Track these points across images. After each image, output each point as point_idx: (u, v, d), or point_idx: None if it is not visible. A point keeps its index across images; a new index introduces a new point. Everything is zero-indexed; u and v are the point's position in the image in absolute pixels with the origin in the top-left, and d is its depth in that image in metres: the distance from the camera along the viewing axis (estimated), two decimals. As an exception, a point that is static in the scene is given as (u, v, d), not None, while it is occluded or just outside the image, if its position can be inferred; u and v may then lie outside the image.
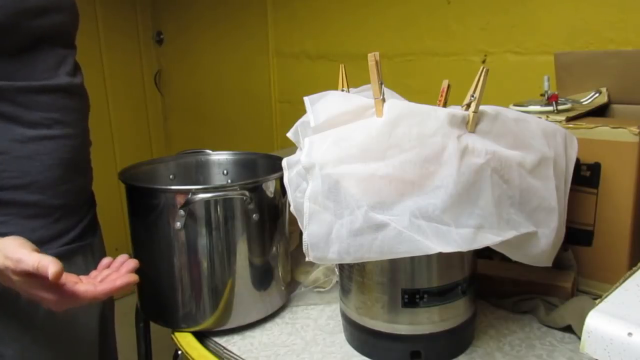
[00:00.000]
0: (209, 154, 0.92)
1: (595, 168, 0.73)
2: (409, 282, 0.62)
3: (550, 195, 0.62)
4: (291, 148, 0.71)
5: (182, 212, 0.68)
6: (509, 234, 0.57)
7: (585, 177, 0.74)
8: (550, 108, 0.79)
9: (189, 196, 0.68)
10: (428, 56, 1.29)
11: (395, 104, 0.58)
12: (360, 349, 0.68)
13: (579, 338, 0.65)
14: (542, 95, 0.83)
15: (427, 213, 0.53)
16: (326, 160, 0.55)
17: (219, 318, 0.73)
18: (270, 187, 0.74)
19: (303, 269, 0.86)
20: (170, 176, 0.88)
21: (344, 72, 0.69)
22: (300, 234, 0.58)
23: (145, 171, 0.85)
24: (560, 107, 0.79)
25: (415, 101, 0.61)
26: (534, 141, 0.63)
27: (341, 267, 0.69)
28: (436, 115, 0.57)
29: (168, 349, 0.75)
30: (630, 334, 0.39)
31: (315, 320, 0.76)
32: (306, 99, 0.63)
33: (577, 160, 0.70)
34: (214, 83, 2.11)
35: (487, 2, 1.13)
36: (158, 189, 0.71)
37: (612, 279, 0.73)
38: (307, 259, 0.56)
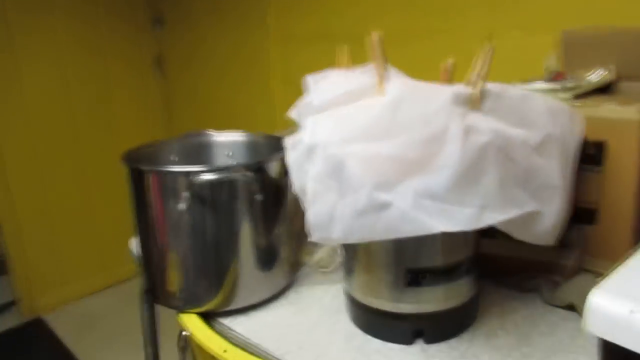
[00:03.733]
0: (211, 136, 0.92)
1: (600, 146, 0.72)
2: (412, 261, 0.62)
3: (555, 173, 0.62)
4: (294, 129, 0.70)
5: (186, 193, 0.68)
6: (513, 213, 0.57)
7: (590, 155, 0.74)
8: (556, 85, 0.78)
9: (193, 177, 0.68)
10: (432, 33, 1.28)
11: (398, 83, 0.57)
12: (364, 328, 0.68)
13: (582, 316, 0.66)
14: (548, 72, 0.82)
15: (431, 192, 0.53)
16: (329, 140, 0.54)
17: (224, 299, 0.74)
18: (273, 168, 0.74)
19: (307, 250, 0.86)
20: (173, 158, 0.88)
21: (345, 52, 0.68)
22: (304, 214, 0.58)
23: (148, 153, 0.85)
24: (566, 85, 0.79)
25: (419, 80, 0.60)
26: (539, 119, 0.63)
27: (345, 247, 0.69)
28: (440, 94, 0.57)
29: (174, 330, 0.76)
30: (632, 312, 0.39)
31: (319, 300, 0.77)
32: (308, 78, 0.62)
33: (583, 138, 0.70)
34: (215, 65, 2.10)
35: (492, -22, 1.11)
36: (161, 171, 0.71)
37: (616, 257, 0.72)
38: (310, 239, 0.56)
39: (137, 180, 0.75)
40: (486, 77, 0.59)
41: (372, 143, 0.54)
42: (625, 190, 0.73)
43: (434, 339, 0.65)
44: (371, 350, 0.64)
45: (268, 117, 1.83)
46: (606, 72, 0.83)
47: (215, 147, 0.92)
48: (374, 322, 0.66)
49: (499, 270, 0.77)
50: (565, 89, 0.78)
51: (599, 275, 0.73)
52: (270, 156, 0.74)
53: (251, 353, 0.67)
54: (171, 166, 0.84)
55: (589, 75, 0.84)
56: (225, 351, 0.65)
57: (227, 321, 0.74)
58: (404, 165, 0.53)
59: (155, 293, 0.79)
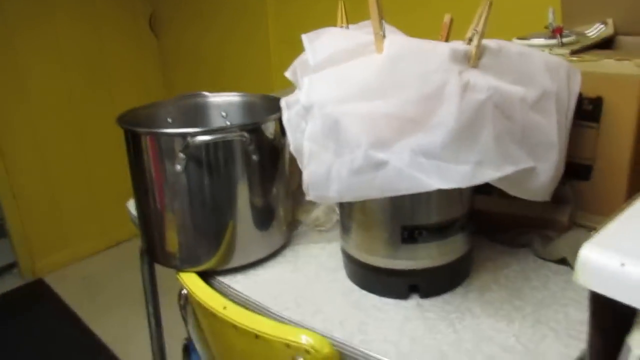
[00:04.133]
0: (207, 97, 0.91)
1: (598, 102, 0.72)
2: (408, 219, 0.63)
3: (552, 130, 0.62)
4: (290, 89, 0.70)
5: (182, 155, 0.68)
6: (508, 170, 0.57)
7: (587, 111, 0.73)
8: (554, 41, 0.77)
9: (189, 139, 0.67)
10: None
11: (395, 40, 0.56)
12: (361, 284, 0.70)
13: (573, 269, 0.67)
14: (546, 27, 0.81)
15: (427, 150, 0.53)
16: (326, 100, 0.54)
17: (222, 258, 0.75)
18: (269, 128, 0.73)
19: (304, 208, 0.87)
20: (169, 120, 0.88)
21: (343, 9, 0.67)
22: (301, 173, 0.58)
23: (144, 115, 0.84)
24: (565, 40, 0.78)
25: (416, 37, 0.59)
26: (536, 76, 0.63)
27: (341, 205, 0.70)
28: (437, 51, 0.56)
29: (175, 289, 0.77)
30: (623, 265, 0.39)
31: (316, 258, 0.78)
32: (304, 36, 0.61)
33: (580, 94, 0.69)
34: (210, 25, 2.05)
35: None
36: (157, 133, 0.71)
37: (610, 212, 0.74)
38: (307, 199, 0.57)
39: (134, 142, 0.75)
40: (484, 34, 0.58)
41: (368, 102, 0.54)
42: (621, 146, 0.73)
43: (429, 293, 0.66)
44: (368, 305, 0.66)
45: (265, 77, 1.81)
46: (604, 27, 0.82)
47: (211, 108, 0.91)
48: (370, 278, 0.68)
49: (493, 226, 0.78)
50: (563, 45, 0.77)
51: (592, 230, 0.74)
52: (267, 116, 0.73)
53: (250, 309, 0.68)
54: (167, 128, 0.84)
55: (587, 31, 0.83)
56: (225, 308, 0.66)
57: (226, 279, 0.75)
58: (400, 124, 0.53)
59: (154, 253, 0.80)
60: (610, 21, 0.84)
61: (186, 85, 2.32)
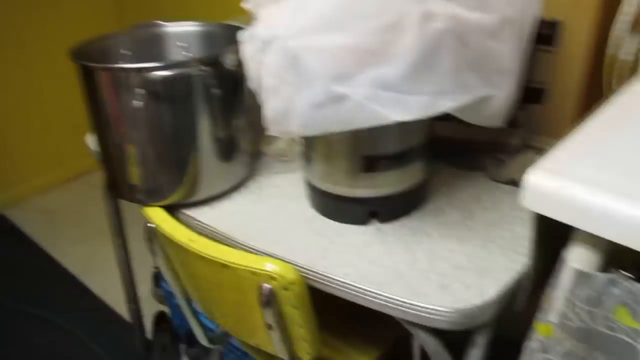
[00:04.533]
0: (164, 27, 0.88)
1: (555, 26, 0.73)
2: (368, 149, 0.64)
3: (509, 57, 0.63)
4: (249, 17, 0.68)
5: (140, 90, 0.67)
6: (465, 99, 0.59)
7: (544, 35, 0.75)
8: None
9: (146, 74, 0.66)
10: None
11: (352, -32, 0.55)
12: (324, 212, 0.72)
13: (522, 190, 0.71)
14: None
15: (386, 83, 0.54)
16: (285, 33, 0.53)
17: (187, 191, 0.76)
18: (230, 60, 0.72)
19: (266, 140, 0.88)
20: (125, 52, 0.84)
21: None
22: (261, 105, 0.58)
23: (98, 48, 0.80)
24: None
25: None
26: (496, 1, 0.63)
27: (303, 137, 0.71)
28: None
29: (141, 220, 0.78)
30: (561, 187, 0.43)
31: (280, 188, 0.80)
32: (259, -36, 0.59)
33: (538, 18, 0.70)
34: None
35: None
36: (114, 68, 0.69)
37: (561, 135, 0.78)
38: (268, 133, 0.57)
39: (89, 77, 0.72)
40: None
41: (328, 34, 0.53)
42: (576, 70, 0.75)
43: (388, 218, 0.70)
44: (330, 232, 0.69)
45: (223, 4, 1.72)
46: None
47: (169, 39, 0.88)
48: (332, 206, 0.70)
49: (449, 150, 0.81)
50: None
51: (543, 151, 0.78)
52: (226, 48, 0.72)
53: (217, 240, 0.71)
54: (123, 61, 0.81)
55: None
56: (191, 240, 0.68)
57: (191, 212, 0.76)
58: (360, 56, 0.53)
59: (118, 189, 0.80)
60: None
61: (141, 14, 2.20)
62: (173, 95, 0.69)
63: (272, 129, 0.57)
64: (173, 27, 0.88)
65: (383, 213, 0.69)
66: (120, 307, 1.57)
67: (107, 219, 1.06)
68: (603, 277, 0.43)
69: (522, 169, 0.72)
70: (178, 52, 0.89)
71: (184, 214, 0.76)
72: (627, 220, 0.38)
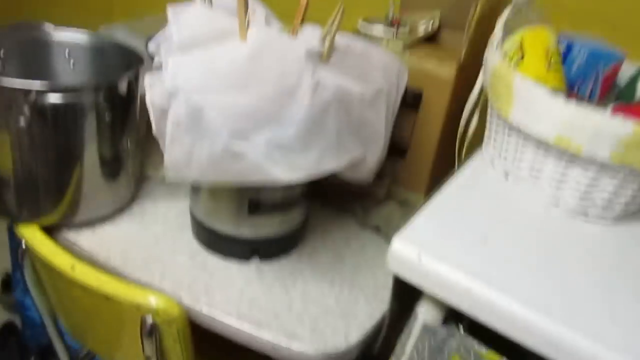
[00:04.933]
0: (49, 31, 0.84)
1: (419, 96, 0.85)
2: (255, 193, 0.70)
3: (381, 123, 0.73)
4: (132, 21, 0.65)
5: (25, 111, 0.65)
6: (346, 159, 0.67)
7: (409, 102, 0.86)
8: (391, 32, 0.87)
9: (35, 97, 0.64)
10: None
11: (259, 34, 0.61)
12: (207, 245, 0.76)
13: (385, 237, 0.82)
14: (386, 17, 0.91)
15: (280, 143, 0.60)
16: (191, 87, 0.57)
17: (66, 211, 0.74)
18: (123, 86, 0.72)
19: (153, 164, 0.88)
20: (2, 55, 0.80)
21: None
22: (149, 126, 0.60)
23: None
24: (401, 31, 0.88)
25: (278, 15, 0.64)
26: (374, 74, 0.72)
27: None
28: (295, 51, 0.62)
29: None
30: (419, 257, 0.52)
31: (164, 216, 0.82)
32: (170, 8, 0.62)
33: (405, 87, 0.81)
34: None
35: None
36: (-4, 85, 0.66)
37: (419, 187, 0.90)
38: (166, 180, 0.60)
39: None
40: (335, 36, 0.65)
41: (231, 93, 0.58)
42: (432, 132, 0.88)
43: (268, 256, 0.76)
44: (213, 267, 0.73)
45: (103, 5, 1.64)
46: (432, 22, 0.94)
47: (54, 47, 0.84)
48: (217, 242, 0.75)
49: (325, 193, 0.89)
50: (398, 37, 0.87)
51: (404, 202, 0.90)
52: (122, 75, 0.72)
53: (98, 267, 0.71)
54: (8, 78, 0.77)
55: (421, 21, 0.94)
56: (72, 267, 0.68)
57: (71, 235, 0.75)
58: (258, 117, 0.59)
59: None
60: (436, 13, 0.97)
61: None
62: (60, 117, 0.68)
63: (170, 176, 0.60)
64: (59, 33, 0.84)
65: (264, 252, 0.75)
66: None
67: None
68: (444, 330, 0.54)
69: (385, 218, 0.84)
70: (64, 63, 0.86)
71: (64, 237, 0.75)
72: (462, 291, 0.49)
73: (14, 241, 1.03)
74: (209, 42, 0.61)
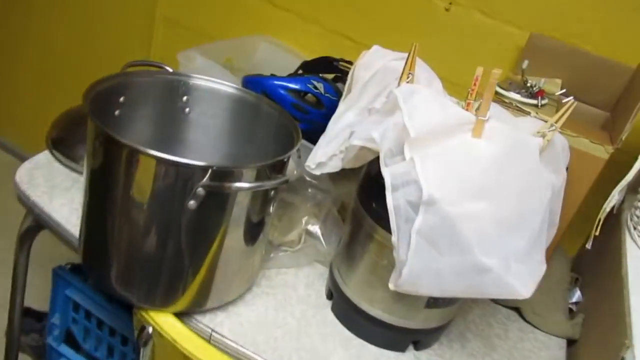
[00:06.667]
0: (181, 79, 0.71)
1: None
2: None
3: (559, 211, 0.68)
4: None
5: (200, 190, 0.54)
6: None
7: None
8: (531, 101, 0.82)
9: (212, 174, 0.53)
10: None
11: (499, 131, 0.54)
12: (358, 332, 0.68)
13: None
14: (521, 78, 0.86)
15: (518, 254, 0.53)
16: (445, 196, 0.49)
17: (198, 298, 0.64)
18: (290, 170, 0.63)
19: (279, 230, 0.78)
20: (121, 100, 0.66)
21: (414, 53, 0.59)
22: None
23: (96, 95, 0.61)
24: (541, 104, 0.83)
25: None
26: (560, 163, 0.67)
27: (352, 243, 0.66)
28: (530, 147, 0.55)
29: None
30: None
31: (294, 290, 0.73)
32: (398, 93, 0.53)
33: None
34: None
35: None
36: (172, 161, 0.53)
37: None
38: (391, 288, 0.52)
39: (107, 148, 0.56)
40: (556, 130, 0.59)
41: (478, 202, 0.51)
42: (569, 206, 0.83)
43: (423, 347, 0.69)
44: (368, 357, 0.66)
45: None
46: (564, 91, 0.90)
47: (179, 93, 0.72)
48: (370, 329, 0.67)
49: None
50: (539, 108, 0.82)
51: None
52: (288, 152, 0.61)
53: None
54: (117, 109, 0.65)
55: (557, 93, 0.89)
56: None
57: (206, 320, 0.64)
58: (504, 226, 0.52)
59: (105, 284, 0.63)
60: (559, 81, 0.92)
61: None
62: (224, 199, 0.58)
63: (400, 287, 0.52)
64: (197, 79, 0.72)
65: (424, 342, 0.68)
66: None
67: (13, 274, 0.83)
68: None
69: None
70: (180, 112, 0.73)
71: (196, 321, 0.64)
72: None
73: (60, 287, 0.89)
74: (442, 134, 0.53)
